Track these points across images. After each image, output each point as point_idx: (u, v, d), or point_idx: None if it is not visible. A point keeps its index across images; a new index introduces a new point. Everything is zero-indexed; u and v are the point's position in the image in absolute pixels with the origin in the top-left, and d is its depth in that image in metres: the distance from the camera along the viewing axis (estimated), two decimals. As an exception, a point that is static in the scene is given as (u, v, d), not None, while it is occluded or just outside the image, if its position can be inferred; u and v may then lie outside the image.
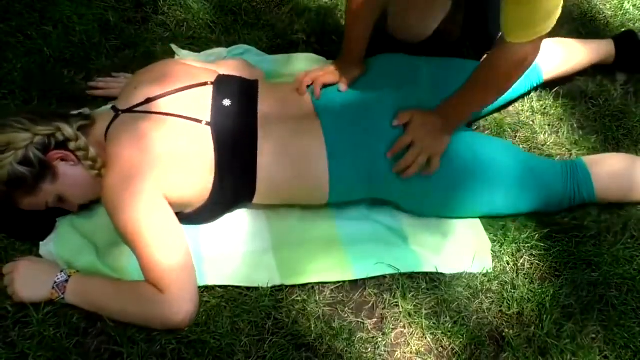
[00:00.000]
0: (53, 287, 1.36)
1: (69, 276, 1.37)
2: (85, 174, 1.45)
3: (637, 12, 2.20)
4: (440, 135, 1.51)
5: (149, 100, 1.47)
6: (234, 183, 1.48)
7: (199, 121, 1.45)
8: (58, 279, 1.36)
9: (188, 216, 1.48)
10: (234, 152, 1.46)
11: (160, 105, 1.46)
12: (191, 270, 1.38)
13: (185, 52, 1.91)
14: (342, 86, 1.61)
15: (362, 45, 1.66)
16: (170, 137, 1.42)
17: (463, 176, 1.53)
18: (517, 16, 1.31)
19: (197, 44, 1.95)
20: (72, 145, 1.43)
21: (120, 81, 1.78)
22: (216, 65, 1.71)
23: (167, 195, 1.39)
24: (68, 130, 1.43)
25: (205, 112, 1.47)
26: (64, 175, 1.43)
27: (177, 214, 1.43)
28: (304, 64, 1.91)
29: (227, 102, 1.50)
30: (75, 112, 1.55)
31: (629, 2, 2.22)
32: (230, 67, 1.69)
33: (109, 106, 1.54)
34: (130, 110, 1.47)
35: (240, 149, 1.46)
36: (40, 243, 1.48)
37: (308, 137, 1.50)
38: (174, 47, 1.92)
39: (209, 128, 1.45)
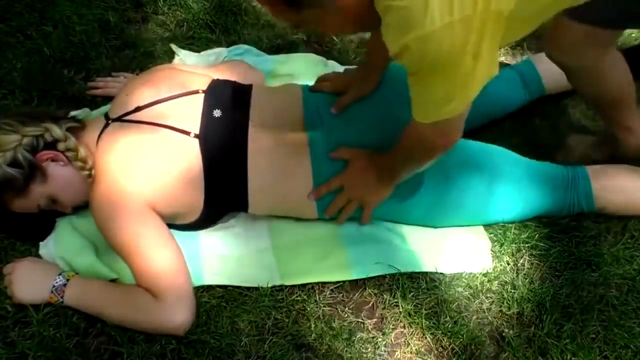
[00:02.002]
0: (52, 291, 1.36)
1: (68, 280, 1.37)
2: (76, 174, 1.44)
3: (637, 12, 2.20)
4: (376, 186, 1.46)
5: (138, 109, 1.46)
6: (225, 196, 1.47)
7: (188, 133, 1.43)
8: (56, 282, 1.36)
9: (183, 226, 1.49)
10: (224, 166, 1.44)
11: (150, 114, 1.45)
12: (186, 276, 1.37)
13: (185, 52, 1.91)
14: (334, 109, 1.52)
15: (384, 61, 1.52)
16: (157, 148, 1.41)
17: (455, 189, 1.51)
18: (416, 91, 1.12)
19: (197, 44, 1.95)
20: (61, 145, 1.43)
21: (120, 81, 1.78)
22: (214, 69, 1.70)
23: (155, 206, 1.39)
24: (57, 130, 1.42)
25: (194, 123, 1.45)
26: (54, 176, 1.43)
27: (171, 224, 1.44)
28: (304, 64, 1.91)
29: (217, 113, 1.47)
30: (70, 115, 1.54)
31: (629, 2, 2.22)
32: (227, 71, 1.67)
33: (103, 112, 1.54)
34: (119, 119, 1.46)
35: (230, 163, 1.44)
36: (40, 243, 1.48)
37: (295, 157, 1.47)
38: (174, 47, 1.92)
39: (197, 141, 1.43)
